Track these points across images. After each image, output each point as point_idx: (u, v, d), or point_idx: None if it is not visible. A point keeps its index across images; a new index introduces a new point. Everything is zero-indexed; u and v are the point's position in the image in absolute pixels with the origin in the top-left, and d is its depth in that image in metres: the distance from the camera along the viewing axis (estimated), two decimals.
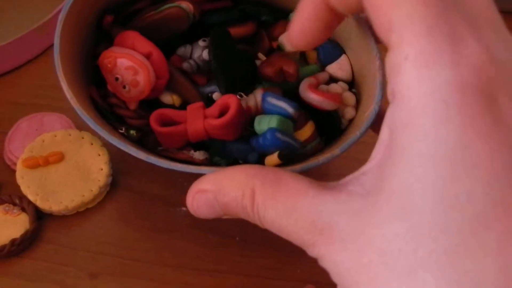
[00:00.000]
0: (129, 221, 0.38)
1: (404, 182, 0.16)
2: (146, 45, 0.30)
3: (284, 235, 0.20)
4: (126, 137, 0.30)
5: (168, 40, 0.33)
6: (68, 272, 0.35)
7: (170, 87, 0.32)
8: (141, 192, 0.39)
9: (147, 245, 0.37)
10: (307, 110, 0.31)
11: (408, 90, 0.16)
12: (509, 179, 0.16)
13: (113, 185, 0.39)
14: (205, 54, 0.31)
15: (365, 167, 0.19)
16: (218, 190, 0.21)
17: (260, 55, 0.34)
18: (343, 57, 0.35)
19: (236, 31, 0.34)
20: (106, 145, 0.39)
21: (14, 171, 0.38)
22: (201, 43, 0.32)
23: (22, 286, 0.35)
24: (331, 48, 0.35)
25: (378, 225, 0.17)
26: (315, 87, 0.31)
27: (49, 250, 0.36)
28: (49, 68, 0.46)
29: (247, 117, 0.30)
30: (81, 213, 0.38)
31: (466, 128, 0.16)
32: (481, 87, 0.16)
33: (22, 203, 0.37)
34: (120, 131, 0.31)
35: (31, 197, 0.37)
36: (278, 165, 0.27)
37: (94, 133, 0.39)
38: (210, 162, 0.31)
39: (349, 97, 0.32)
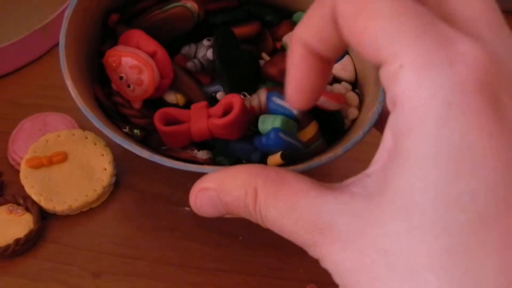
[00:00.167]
0: (132, 221, 0.38)
1: (407, 183, 0.16)
2: (151, 44, 0.30)
3: (285, 234, 0.20)
4: (130, 136, 0.31)
5: (173, 39, 0.33)
6: (71, 272, 0.35)
7: (174, 86, 0.32)
8: (145, 192, 0.39)
9: (150, 245, 0.37)
10: (310, 110, 0.31)
11: (408, 95, 0.16)
12: None
13: (117, 185, 0.39)
14: (210, 54, 0.32)
15: (368, 170, 0.19)
16: (221, 189, 0.21)
17: (264, 55, 0.34)
18: (346, 57, 0.35)
19: (240, 31, 0.34)
20: (110, 145, 0.39)
21: (18, 171, 0.38)
22: (205, 42, 0.32)
23: (26, 285, 0.35)
24: None
25: (380, 224, 0.17)
26: None
27: (53, 249, 0.36)
28: (53, 69, 0.47)
29: (250, 117, 0.30)
30: (85, 213, 0.38)
31: (469, 128, 0.16)
32: (481, 84, 0.16)
33: (26, 203, 0.37)
34: (124, 130, 0.31)
35: (35, 197, 0.37)
36: (281, 165, 0.27)
37: (97, 133, 0.39)
38: (213, 162, 0.31)
39: (352, 97, 0.33)
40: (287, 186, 0.20)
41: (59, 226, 0.37)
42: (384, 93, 0.29)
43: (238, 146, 0.30)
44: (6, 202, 0.37)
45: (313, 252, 0.19)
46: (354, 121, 0.32)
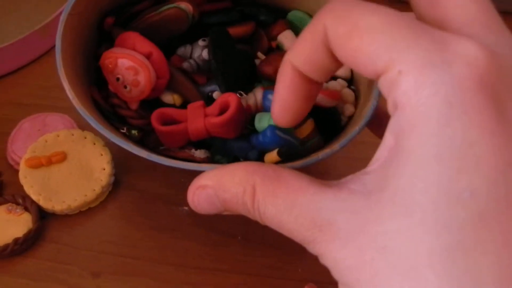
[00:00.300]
0: (131, 221, 0.38)
1: (409, 181, 0.16)
2: (147, 45, 0.30)
3: (284, 231, 0.20)
4: (128, 137, 0.31)
5: (168, 40, 0.33)
6: (70, 271, 0.35)
7: (170, 87, 0.32)
8: (143, 192, 0.40)
9: (149, 244, 0.37)
10: None
11: (409, 95, 0.16)
12: None
13: (116, 185, 0.40)
14: (205, 54, 0.32)
15: (368, 168, 0.19)
16: (219, 186, 0.22)
17: (260, 54, 0.35)
18: None
19: (235, 31, 0.34)
20: (109, 144, 0.39)
21: (17, 171, 0.38)
22: (201, 42, 0.32)
23: (25, 285, 0.35)
24: None
25: (380, 222, 0.17)
26: None
27: (52, 249, 0.37)
28: (52, 69, 0.47)
29: (247, 116, 0.30)
30: (84, 213, 0.38)
31: (470, 126, 0.16)
32: (482, 82, 0.16)
33: (25, 202, 0.37)
34: (122, 131, 0.31)
35: (34, 197, 0.37)
36: (277, 162, 0.28)
37: (96, 133, 0.39)
38: (211, 161, 0.31)
39: (348, 94, 0.33)
40: (285, 184, 0.20)
41: (58, 226, 0.38)
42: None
43: (235, 145, 0.30)
44: (5, 201, 0.37)
45: (312, 249, 0.19)
46: (350, 117, 0.32)
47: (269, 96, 0.29)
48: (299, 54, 0.20)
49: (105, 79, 0.32)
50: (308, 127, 0.31)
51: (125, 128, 0.31)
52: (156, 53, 0.31)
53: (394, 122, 0.18)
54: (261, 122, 0.29)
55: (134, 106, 0.32)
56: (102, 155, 0.39)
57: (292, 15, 0.37)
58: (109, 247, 0.37)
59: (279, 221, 0.20)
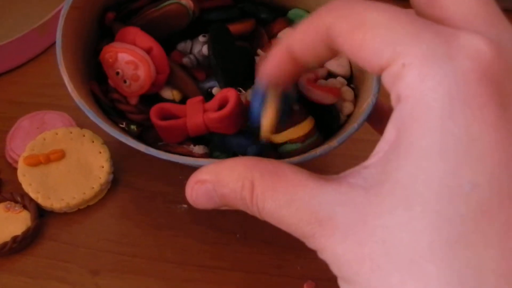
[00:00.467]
0: (130, 218, 0.38)
1: (409, 174, 0.16)
2: (147, 40, 0.31)
3: (283, 226, 0.20)
4: (127, 132, 0.31)
5: (169, 36, 0.33)
6: (69, 269, 0.35)
7: (170, 82, 0.33)
8: (142, 190, 0.40)
9: (148, 242, 0.37)
10: (306, 106, 0.31)
11: (412, 89, 0.17)
12: None
13: (114, 183, 0.39)
14: (205, 49, 0.32)
15: (367, 162, 0.19)
16: (217, 181, 0.21)
17: (260, 51, 0.35)
18: None
19: (235, 28, 0.34)
20: (107, 143, 0.39)
21: (15, 169, 0.38)
22: (201, 38, 0.32)
23: (24, 283, 0.35)
24: None
25: (380, 215, 0.17)
26: (314, 82, 0.31)
27: (51, 247, 0.36)
28: (50, 67, 0.47)
29: (246, 112, 0.30)
30: (82, 210, 0.38)
31: (473, 120, 0.16)
32: (484, 76, 0.16)
33: (24, 200, 0.37)
34: (121, 125, 0.31)
35: (32, 195, 0.37)
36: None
37: (95, 131, 0.39)
38: (209, 157, 0.31)
39: (348, 92, 0.33)
40: (284, 178, 0.20)
41: (57, 224, 0.37)
42: (378, 86, 0.29)
43: (234, 141, 0.30)
44: (3, 199, 0.37)
45: (312, 243, 0.19)
46: (349, 116, 0.32)
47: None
48: (299, 42, 0.21)
49: (105, 74, 0.32)
50: (307, 125, 0.31)
51: (124, 123, 0.31)
52: (156, 48, 0.31)
53: (396, 115, 0.18)
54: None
55: (133, 101, 0.32)
56: (100, 153, 0.39)
57: (292, 13, 0.37)
58: (108, 245, 0.37)
59: (278, 216, 0.20)
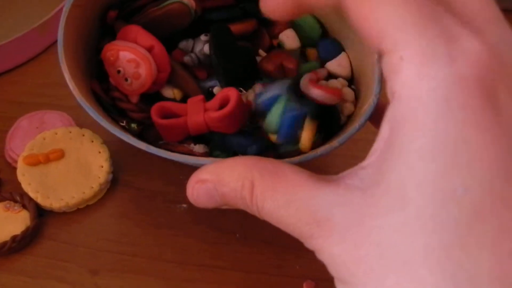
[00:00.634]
0: (129, 218, 0.38)
1: (403, 176, 0.16)
2: (148, 39, 0.31)
3: (282, 226, 0.20)
4: (127, 130, 0.31)
5: (171, 35, 0.33)
6: (69, 269, 0.35)
7: (171, 81, 0.33)
8: (141, 189, 0.39)
9: (147, 242, 0.37)
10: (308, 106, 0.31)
11: (408, 88, 0.16)
12: (508, 173, 0.16)
13: (114, 182, 0.39)
14: (206, 48, 0.32)
15: (364, 162, 0.19)
16: (218, 181, 0.21)
17: (261, 52, 0.35)
18: (343, 54, 0.35)
19: (237, 27, 0.34)
20: (107, 142, 0.39)
21: (15, 169, 0.38)
22: (202, 37, 0.33)
23: (23, 282, 0.35)
24: (330, 46, 0.36)
25: (375, 217, 0.17)
26: (316, 82, 0.31)
27: (50, 246, 0.36)
28: (50, 67, 0.47)
29: (246, 111, 0.30)
30: (82, 210, 0.38)
31: (466, 123, 0.16)
32: (480, 80, 0.16)
33: (23, 200, 0.37)
34: (121, 124, 0.31)
35: (32, 194, 0.37)
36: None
37: (94, 131, 0.39)
38: (210, 156, 0.31)
39: (348, 93, 0.33)
40: (284, 178, 0.20)
41: (56, 223, 0.37)
42: (380, 86, 0.29)
43: (234, 140, 0.30)
44: (3, 199, 0.37)
45: (310, 244, 0.19)
46: (349, 117, 0.32)
47: (261, 97, 0.29)
48: None
49: (106, 73, 0.32)
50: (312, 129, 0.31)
51: (124, 122, 0.31)
52: (158, 47, 0.31)
53: (390, 113, 0.18)
54: (272, 117, 0.29)
55: (134, 99, 0.32)
56: (100, 152, 0.39)
57: None
58: (107, 244, 0.37)
59: (277, 216, 0.20)
